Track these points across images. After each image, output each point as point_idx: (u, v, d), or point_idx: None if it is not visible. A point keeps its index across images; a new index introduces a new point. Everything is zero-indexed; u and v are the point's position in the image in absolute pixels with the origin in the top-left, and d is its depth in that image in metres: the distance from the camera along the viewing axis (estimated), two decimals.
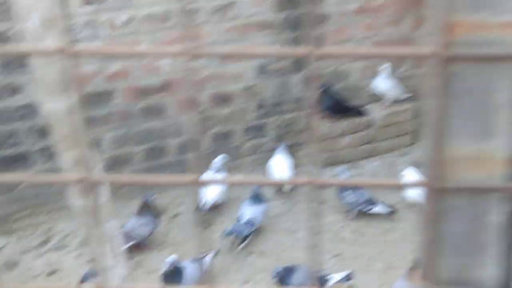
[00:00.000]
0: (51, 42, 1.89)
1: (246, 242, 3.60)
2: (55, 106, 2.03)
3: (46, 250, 3.57)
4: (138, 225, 3.45)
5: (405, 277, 3.10)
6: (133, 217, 3.50)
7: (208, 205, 3.72)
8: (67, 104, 2.02)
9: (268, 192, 3.89)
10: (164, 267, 3.05)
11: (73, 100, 2.03)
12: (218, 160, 3.81)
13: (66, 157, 2.12)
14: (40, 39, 1.87)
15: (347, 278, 3.25)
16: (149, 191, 3.57)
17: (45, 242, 3.63)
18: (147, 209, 3.49)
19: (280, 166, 4.01)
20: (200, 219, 3.57)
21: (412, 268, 3.10)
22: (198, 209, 3.50)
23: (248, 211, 3.59)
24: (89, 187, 2.01)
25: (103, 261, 2.34)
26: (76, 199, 2.19)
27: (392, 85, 4.34)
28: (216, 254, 3.37)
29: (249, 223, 3.56)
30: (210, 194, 3.71)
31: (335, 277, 3.22)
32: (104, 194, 2.25)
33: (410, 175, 3.76)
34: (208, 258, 3.25)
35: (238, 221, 3.61)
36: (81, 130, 2.10)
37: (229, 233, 3.53)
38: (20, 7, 1.84)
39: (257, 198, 3.61)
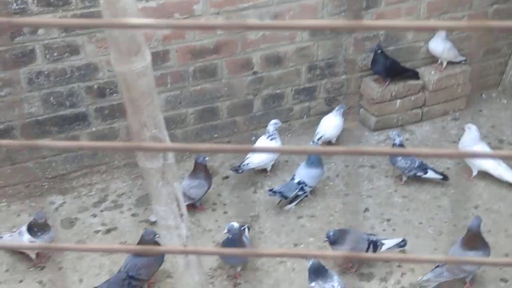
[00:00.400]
0: (126, 2, 1.88)
1: (294, 203, 3.62)
2: (127, 68, 2.03)
3: (103, 208, 3.66)
4: (192, 186, 3.49)
5: (460, 243, 3.09)
6: (187, 178, 3.54)
7: (251, 167, 3.72)
8: (139, 66, 2.01)
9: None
10: (223, 232, 3.11)
11: (146, 62, 2.02)
12: (271, 125, 3.79)
13: (135, 120, 2.13)
14: None
15: (400, 244, 3.25)
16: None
17: (101, 201, 3.72)
18: (200, 170, 3.52)
19: (331, 123, 4.00)
20: (247, 181, 3.64)
21: (468, 234, 3.07)
22: (239, 170, 3.61)
23: (301, 173, 3.59)
24: (159, 150, 2.00)
25: (168, 221, 2.38)
26: (144, 161, 2.21)
27: (447, 47, 4.22)
28: (256, 219, 3.41)
29: (299, 185, 3.57)
30: (257, 158, 3.72)
31: (389, 242, 3.22)
32: (170, 156, 2.27)
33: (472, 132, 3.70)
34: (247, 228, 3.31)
35: (288, 182, 3.62)
36: (152, 93, 2.10)
37: (274, 192, 3.54)
38: None
39: (313, 162, 3.60)
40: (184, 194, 3.42)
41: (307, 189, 3.61)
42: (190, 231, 2.48)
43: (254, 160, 3.72)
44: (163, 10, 3.53)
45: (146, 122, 2.14)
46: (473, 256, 3.01)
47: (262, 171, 3.88)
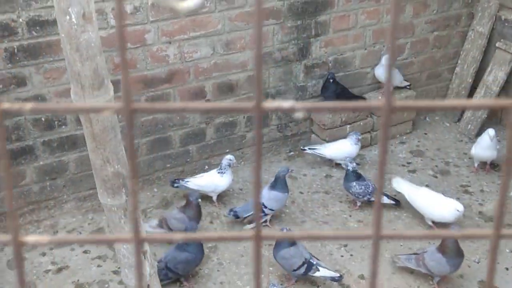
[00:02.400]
0: (89, 36, 1.81)
1: (252, 225, 3.60)
2: (90, 103, 1.96)
3: (52, 246, 3.48)
4: (176, 218, 3.40)
5: (437, 248, 3.23)
6: (177, 208, 3.48)
7: (189, 186, 3.71)
8: (102, 100, 1.94)
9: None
10: None
11: (110, 96, 1.96)
12: (225, 159, 3.72)
13: (97, 155, 2.05)
14: (77, 33, 1.79)
15: (335, 279, 3.24)
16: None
17: None
18: (191, 209, 3.40)
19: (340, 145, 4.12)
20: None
21: (444, 240, 3.18)
22: (174, 184, 3.56)
23: (263, 196, 3.58)
24: (124, 185, 1.93)
25: (131, 259, 2.29)
26: (106, 198, 2.12)
27: (392, 73, 4.34)
28: (214, 250, 3.36)
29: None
30: (198, 181, 3.72)
31: (324, 271, 3.22)
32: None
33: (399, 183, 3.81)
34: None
35: (248, 202, 3.64)
36: (115, 128, 2.02)
37: (230, 211, 3.59)
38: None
39: (277, 185, 3.60)
40: (165, 221, 3.39)
41: (267, 211, 3.61)
42: (154, 269, 2.40)
43: (195, 181, 3.71)
44: (114, 40, 3.45)
45: (109, 158, 2.07)
46: (447, 261, 3.18)
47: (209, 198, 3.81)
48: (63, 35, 1.80)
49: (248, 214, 3.60)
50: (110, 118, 1.99)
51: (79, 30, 1.77)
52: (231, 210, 3.62)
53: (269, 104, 0.46)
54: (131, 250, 2.24)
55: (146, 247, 2.30)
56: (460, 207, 3.50)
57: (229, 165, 3.70)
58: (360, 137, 4.08)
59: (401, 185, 3.77)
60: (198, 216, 3.44)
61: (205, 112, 0.53)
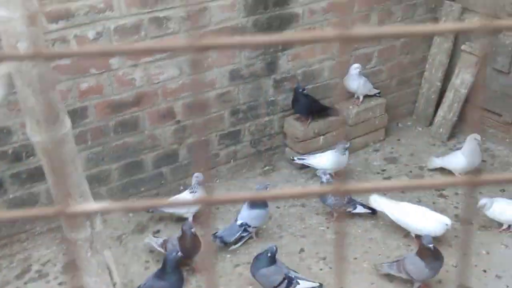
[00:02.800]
0: (40, 70, 1.79)
1: (239, 244, 3.60)
2: (43, 138, 1.93)
3: (26, 280, 3.41)
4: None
5: (416, 253, 3.27)
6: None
7: (163, 209, 3.69)
8: (59, 134, 1.91)
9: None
10: None
11: (66, 129, 1.93)
12: (194, 177, 3.69)
13: (58, 190, 2.02)
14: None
15: None
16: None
17: (24, 272, 3.47)
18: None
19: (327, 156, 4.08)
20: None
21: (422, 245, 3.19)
22: (149, 209, 3.52)
23: (244, 215, 3.57)
24: (87, 217, 1.89)
25: None
26: (70, 232, 2.08)
27: (362, 83, 4.37)
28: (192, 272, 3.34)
29: (241, 226, 3.55)
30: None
31: (304, 284, 3.23)
32: (98, 223, 2.16)
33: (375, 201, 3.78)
34: None
35: (231, 225, 3.60)
36: (74, 160, 1.99)
37: (215, 237, 3.52)
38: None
39: (256, 202, 3.57)
40: (166, 243, 3.34)
41: (251, 229, 3.60)
42: None
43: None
44: (79, 67, 3.42)
45: (71, 192, 2.03)
46: (425, 265, 3.20)
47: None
48: (13, 71, 1.77)
49: (234, 238, 3.55)
50: (69, 151, 1.96)
51: (30, 65, 1.74)
52: (215, 235, 3.52)
53: (76, 208, 0.45)
54: (100, 283, 2.21)
55: (116, 278, 2.26)
56: (448, 221, 3.51)
57: (198, 183, 3.66)
58: (347, 146, 4.06)
59: (380, 203, 3.72)
60: (193, 247, 3.30)
61: None
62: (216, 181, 4.20)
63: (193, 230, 3.31)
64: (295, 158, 4.18)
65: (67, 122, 1.96)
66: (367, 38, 0.47)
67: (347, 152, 4.05)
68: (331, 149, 4.13)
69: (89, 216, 2.08)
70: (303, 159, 4.16)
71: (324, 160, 4.09)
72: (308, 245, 3.69)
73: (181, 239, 3.33)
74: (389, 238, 3.74)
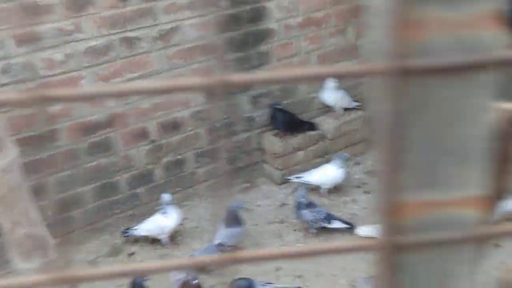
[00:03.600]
0: None
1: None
2: None
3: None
4: None
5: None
6: None
7: (141, 233, 3.66)
8: (2, 164, 1.89)
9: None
10: None
11: (10, 158, 1.91)
12: (163, 198, 3.66)
13: (5, 218, 1.99)
14: None
15: None
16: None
17: None
18: None
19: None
20: (153, 256, 3.43)
21: None
22: (125, 233, 3.48)
23: (222, 234, 3.53)
24: (38, 247, 1.85)
25: None
26: (19, 262, 2.05)
27: (339, 96, 4.35)
28: None
29: (220, 246, 3.52)
30: (146, 225, 3.64)
31: None
32: (50, 252, 2.13)
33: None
34: None
35: (208, 246, 3.56)
36: (21, 188, 1.97)
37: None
38: None
39: (232, 221, 3.54)
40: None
41: (227, 249, 3.55)
42: None
43: (143, 227, 3.65)
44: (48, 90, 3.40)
45: (19, 220, 2.01)
46: None
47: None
48: None
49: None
50: (14, 180, 1.93)
51: None
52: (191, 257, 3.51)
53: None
54: None
55: None
56: None
57: (168, 204, 3.62)
58: (343, 159, 4.03)
59: (368, 234, 3.67)
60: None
61: None
62: (196, 200, 4.17)
63: (196, 282, 3.16)
64: (291, 178, 4.11)
65: (12, 150, 1.93)
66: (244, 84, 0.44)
67: (344, 166, 4.02)
68: (329, 163, 4.09)
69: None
70: (300, 177, 4.09)
71: (323, 176, 4.04)
72: (285, 263, 3.65)
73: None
74: (367, 253, 3.69)
